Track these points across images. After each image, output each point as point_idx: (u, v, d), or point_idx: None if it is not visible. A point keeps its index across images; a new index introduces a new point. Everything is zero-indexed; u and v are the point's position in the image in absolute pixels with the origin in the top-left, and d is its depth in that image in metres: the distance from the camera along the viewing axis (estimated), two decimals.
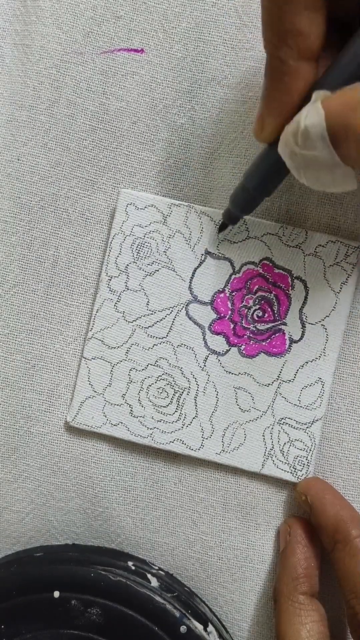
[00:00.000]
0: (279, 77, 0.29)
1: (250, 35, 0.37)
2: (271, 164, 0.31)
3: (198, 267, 0.37)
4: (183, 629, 0.35)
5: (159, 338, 0.37)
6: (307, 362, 0.37)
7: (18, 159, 0.39)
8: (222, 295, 0.37)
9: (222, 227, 0.36)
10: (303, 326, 0.37)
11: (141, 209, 0.37)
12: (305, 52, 0.28)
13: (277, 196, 0.37)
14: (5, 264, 0.39)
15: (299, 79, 0.29)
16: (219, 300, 0.37)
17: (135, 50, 0.38)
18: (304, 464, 0.37)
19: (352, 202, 0.37)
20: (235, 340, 0.37)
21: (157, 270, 0.37)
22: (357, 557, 0.33)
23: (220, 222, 0.36)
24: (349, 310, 0.37)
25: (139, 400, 0.38)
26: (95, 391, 0.38)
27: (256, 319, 0.37)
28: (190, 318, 0.37)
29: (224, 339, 0.37)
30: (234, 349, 0.37)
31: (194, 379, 0.37)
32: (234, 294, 0.37)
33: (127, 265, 0.37)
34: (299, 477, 0.37)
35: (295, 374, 0.37)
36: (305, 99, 0.29)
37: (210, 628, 0.36)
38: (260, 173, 0.32)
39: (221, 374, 0.37)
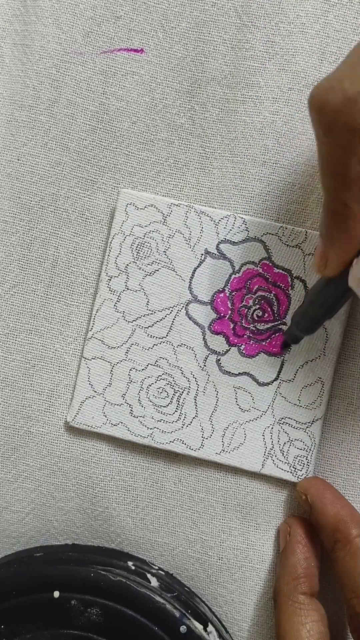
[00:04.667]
0: (343, 220, 0.29)
1: (250, 35, 0.37)
2: (335, 294, 0.33)
3: (198, 266, 0.37)
4: (183, 629, 0.35)
5: (159, 338, 0.37)
6: (306, 362, 0.37)
7: (18, 159, 0.39)
8: (222, 295, 0.37)
9: (284, 346, 0.37)
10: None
11: (141, 208, 0.37)
12: None
13: (277, 196, 0.37)
14: (5, 264, 0.39)
15: None
16: (218, 300, 0.37)
17: (135, 50, 0.38)
18: (304, 464, 0.37)
19: None
20: (235, 340, 0.37)
21: (157, 270, 0.37)
22: (357, 556, 0.33)
23: (283, 341, 0.37)
24: (349, 310, 0.37)
25: (139, 400, 0.38)
26: (95, 391, 0.38)
27: (256, 318, 0.37)
28: (190, 318, 0.37)
29: (224, 338, 0.37)
30: (234, 349, 0.37)
31: (194, 379, 0.37)
32: (233, 293, 0.37)
33: (127, 265, 0.37)
34: (299, 476, 0.37)
35: (295, 374, 0.37)
36: None
37: (210, 628, 0.36)
38: (325, 300, 0.34)
39: (221, 373, 0.37)
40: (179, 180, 0.38)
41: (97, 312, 0.38)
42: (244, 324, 0.37)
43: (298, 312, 0.36)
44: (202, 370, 0.37)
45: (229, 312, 0.37)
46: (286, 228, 0.37)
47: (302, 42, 0.36)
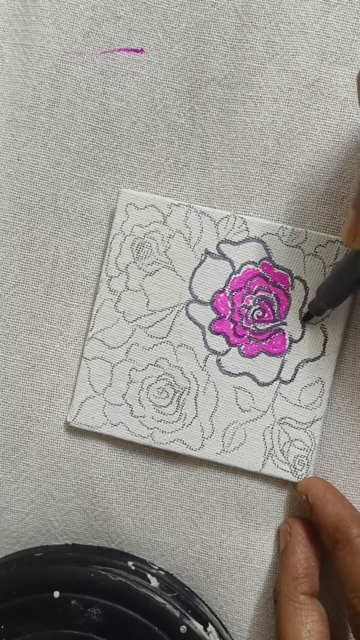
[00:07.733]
0: None
1: (250, 35, 0.37)
2: None
3: (198, 267, 0.37)
4: (183, 629, 0.35)
5: (159, 338, 0.37)
6: (307, 362, 0.37)
7: (18, 159, 0.39)
8: (222, 295, 0.37)
9: (306, 317, 0.37)
10: (303, 326, 0.37)
11: (141, 208, 0.37)
12: None
13: (277, 196, 0.37)
14: (5, 264, 0.39)
15: None
16: (219, 300, 0.37)
17: (135, 50, 0.38)
18: (304, 464, 0.37)
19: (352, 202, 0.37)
20: (236, 340, 0.37)
21: (157, 270, 0.37)
22: (357, 556, 0.33)
23: (305, 312, 0.37)
24: (349, 310, 0.37)
25: (139, 400, 0.38)
26: (95, 391, 0.38)
27: (256, 318, 0.37)
28: (190, 318, 0.37)
29: (224, 338, 0.37)
30: (234, 349, 0.37)
31: (194, 379, 0.37)
32: (234, 293, 0.37)
33: (127, 265, 0.37)
34: (299, 476, 0.37)
35: (295, 374, 0.37)
36: None
37: (210, 628, 0.36)
38: (352, 274, 0.34)
39: (221, 373, 0.37)
40: (179, 180, 0.38)
41: (97, 312, 0.38)
42: (244, 324, 0.37)
43: (324, 284, 0.35)
44: (203, 370, 0.37)
45: (229, 312, 0.37)
46: (286, 228, 0.37)
47: (302, 42, 0.36)
